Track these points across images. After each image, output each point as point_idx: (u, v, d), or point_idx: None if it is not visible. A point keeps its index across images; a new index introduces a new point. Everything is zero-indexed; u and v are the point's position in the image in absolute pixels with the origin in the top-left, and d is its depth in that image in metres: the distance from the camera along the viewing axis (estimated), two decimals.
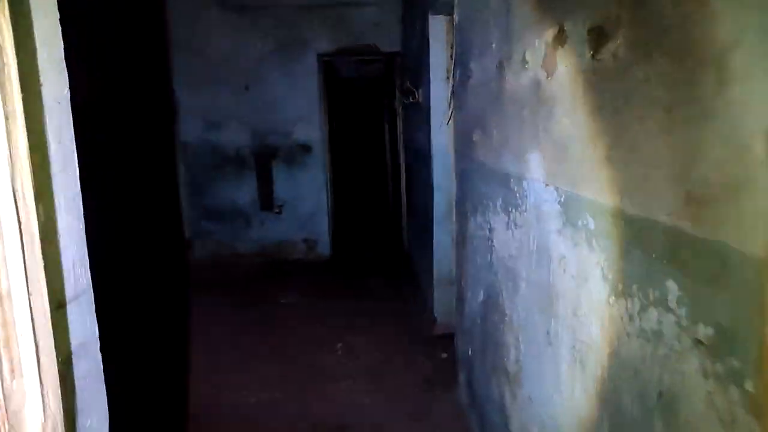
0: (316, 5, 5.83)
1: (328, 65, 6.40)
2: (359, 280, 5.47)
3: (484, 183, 2.33)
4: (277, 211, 6.21)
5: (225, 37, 5.84)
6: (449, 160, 3.84)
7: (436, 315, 4.12)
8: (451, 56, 3.65)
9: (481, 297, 2.45)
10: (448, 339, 3.72)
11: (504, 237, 2.04)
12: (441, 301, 4.08)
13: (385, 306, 4.67)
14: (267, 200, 6.19)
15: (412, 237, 5.86)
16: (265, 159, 6.12)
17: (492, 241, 2.23)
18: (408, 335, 4.01)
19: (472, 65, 2.48)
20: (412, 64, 4.95)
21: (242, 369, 3.54)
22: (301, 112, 5.99)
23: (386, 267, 5.89)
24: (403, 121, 6.17)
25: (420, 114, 4.47)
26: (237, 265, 6.06)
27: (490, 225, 2.25)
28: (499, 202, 2.09)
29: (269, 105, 5.97)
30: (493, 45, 2.09)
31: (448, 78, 3.73)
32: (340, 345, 3.84)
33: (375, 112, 10.86)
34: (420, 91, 4.38)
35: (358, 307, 4.62)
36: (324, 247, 6.32)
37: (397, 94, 6.20)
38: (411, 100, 4.65)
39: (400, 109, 6.25)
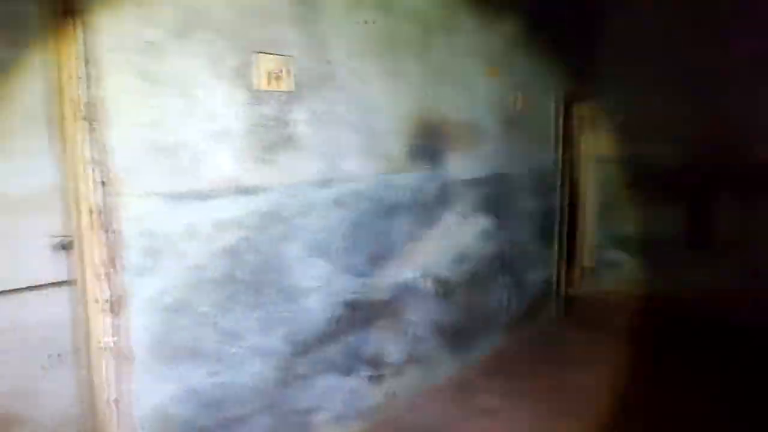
0: None
1: None
2: None
3: None
4: (713, 251, 4.64)
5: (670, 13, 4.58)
6: None
7: None
8: None
9: None
10: None
11: None
12: None
13: None
14: (700, 236, 4.71)
15: None
16: (704, 182, 4.65)
17: None
18: None
19: None
20: None
21: None
22: None
23: None
24: None
25: None
26: (642, 311, 4.82)
27: None
28: None
29: (729, 112, 4.42)
30: None
31: None
32: None
33: None
34: None
35: None
36: None
37: None
38: None
39: None
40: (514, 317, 4.04)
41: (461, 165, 3.39)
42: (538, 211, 4.22)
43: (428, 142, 3.13)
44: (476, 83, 3.52)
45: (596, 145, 5.13)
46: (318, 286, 2.52)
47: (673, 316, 4.61)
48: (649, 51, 4.69)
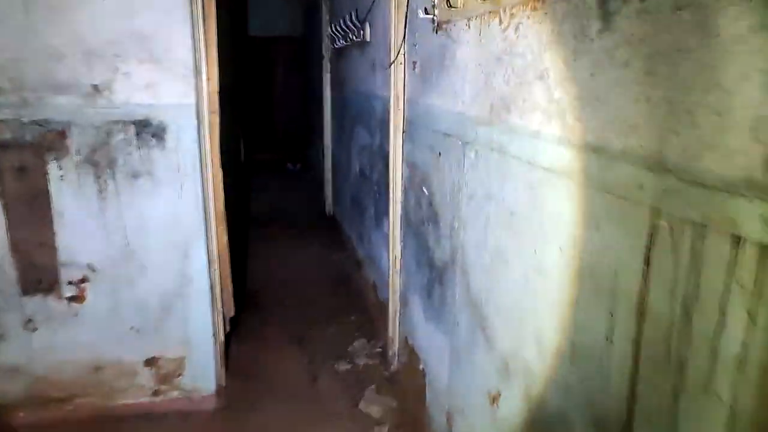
0: None
1: None
2: None
3: None
4: (71, 295, 2.34)
5: None
6: None
7: None
8: None
9: None
10: None
11: None
12: None
13: None
14: (39, 268, 2.29)
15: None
16: (33, 158, 2.20)
17: None
18: None
19: None
20: None
21: None
22: (137, 32, 2.12)
23: None
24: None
25: None
26: None
27: None
28: None
29: (49, 11, 2.03)
30: None
31: None
32: None
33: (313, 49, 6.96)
34: None
35: None
36: (203, 373, 2.59)
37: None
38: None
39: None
40: None
41: None
42: None
43: None
44: None
45: None
46: None
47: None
48: None
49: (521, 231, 1.45)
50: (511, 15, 1.46)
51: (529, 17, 1.37)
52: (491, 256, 1.65)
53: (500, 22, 1.54)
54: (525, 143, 1.41)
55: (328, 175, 5.79)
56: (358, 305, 3.69)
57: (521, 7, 1.40)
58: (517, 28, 1.44)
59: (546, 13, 1.29)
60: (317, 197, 6.29)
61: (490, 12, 1.59)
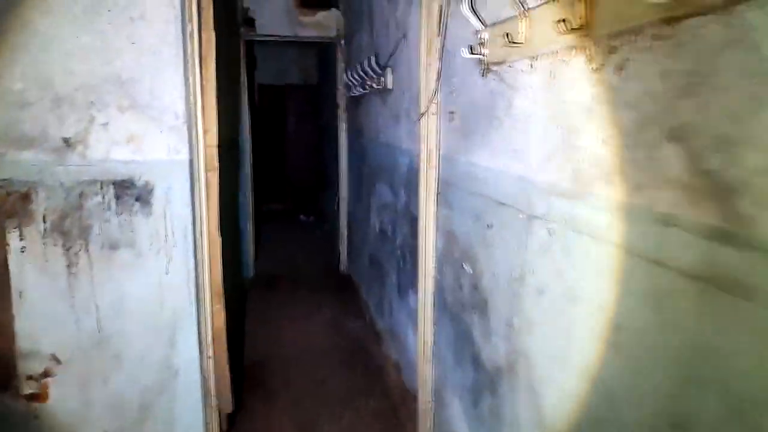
0: None
1: None
2: None
3: None
4: (31, 393, 1.86)
5: None
6: None
7: None
8: None
9: None
10: None
11: None
12: None
13: None
14: None
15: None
16: None
17: None
18: None
19: None
20: None
21: None
22: (117, 75, 1.72)
23: None
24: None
25: None
26: None
27: None
28: None
29: (11, 50, 1.66)
30: None
31: None
32: None
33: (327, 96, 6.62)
34: None
35: None
36: None
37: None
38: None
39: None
40: None
41: None
42: None
43: None
44: None
45: None
46: None
47: None
48: None
49: (638, 356, 0.99)
50: (611, 49, 1.05)
51: (648, 50, 0.95)
52: (580, 378, 1.18)
53: (589, 59, 1.12)
54: (644, 231, 0.96)
55: (343, 229, 5.36)
56: (377, 387, 3.18)
57: (632, 38, 0.99)
58: (622, 67, 1.02)
59: (681, 43, 0.87)
60: (330, 252, 5.85)
61: (571, 47, 1.18)
